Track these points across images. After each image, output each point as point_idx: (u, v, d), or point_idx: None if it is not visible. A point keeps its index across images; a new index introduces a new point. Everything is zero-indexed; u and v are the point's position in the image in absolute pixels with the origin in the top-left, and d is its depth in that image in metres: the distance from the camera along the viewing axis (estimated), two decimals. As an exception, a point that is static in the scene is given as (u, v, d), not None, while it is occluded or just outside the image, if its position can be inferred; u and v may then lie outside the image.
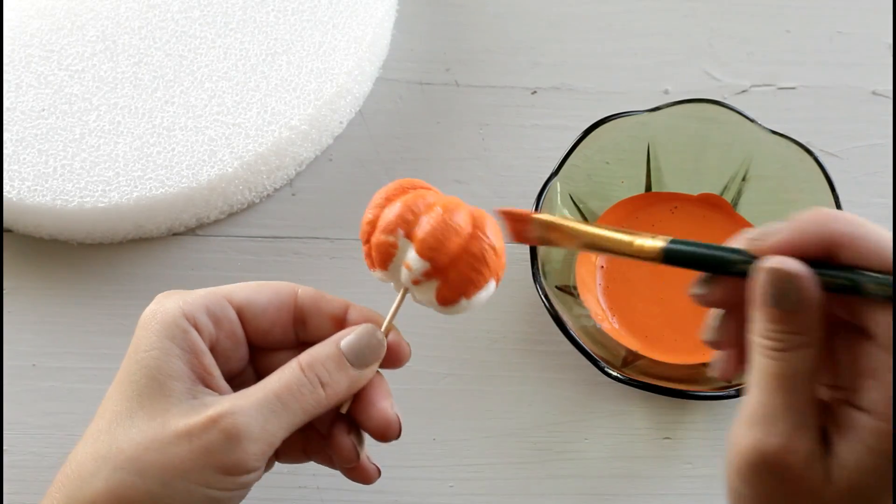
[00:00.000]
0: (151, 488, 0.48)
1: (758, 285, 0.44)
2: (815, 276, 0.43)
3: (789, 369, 0.44)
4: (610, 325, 0.66)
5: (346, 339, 0.52)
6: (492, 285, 0.52)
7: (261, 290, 0.54)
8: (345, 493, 0.64)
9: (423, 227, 0.51)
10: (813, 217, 0.44)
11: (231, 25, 0.73)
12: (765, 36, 0.77)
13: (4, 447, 0.65)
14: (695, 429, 0.65)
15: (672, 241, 0.47)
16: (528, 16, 0.78)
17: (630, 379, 0.61)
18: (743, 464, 0.44)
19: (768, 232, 0.45)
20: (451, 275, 0.51)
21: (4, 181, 0.69)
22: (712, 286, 0.47)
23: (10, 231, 0.71)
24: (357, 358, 0.52)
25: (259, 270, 0.70)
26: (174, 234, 0.71)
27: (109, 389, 0.52)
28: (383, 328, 0.53)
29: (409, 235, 0.51)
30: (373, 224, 0.52)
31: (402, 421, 0.53)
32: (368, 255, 0.53)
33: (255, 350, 0.55)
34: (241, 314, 0.53)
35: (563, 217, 0.50)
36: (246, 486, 0.50)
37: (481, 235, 0.52)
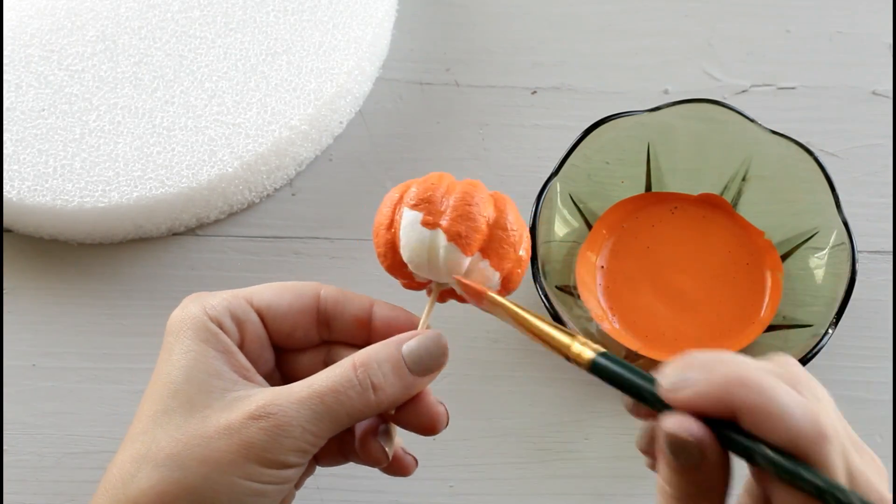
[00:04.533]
0: (194, 483, 0.48)
1: (659, 438, 0.43)
2: (714, 438, 0.42)
3: None
4: (610, 325, 0.66)
5: (408, 343, 0.51)
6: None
7: (283, 293, 0.53)
8: (345, 494, 0.64)
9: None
10: (722, 378, 0.42)
11: (231, 25, 0.73)
12: (765, 36, 0.77)
13: (4, 447, 0.65)
14: (695, 429, 0.65)
15: (601, 356, 0.46)
16: (528, 16, 0.78)
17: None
18: None
19: (682, 383, 0.43)
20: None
21: (4, 181, 0.69)
22: (639, 404, 0.45)
23: (10, 231, 0.71)
24: (417, 365, 0.50)
25: (259, 270, 0.70)
26: (174, 234, 0.71)
27: (144, 396, 0.51)
28: (420, 327, 0.52)
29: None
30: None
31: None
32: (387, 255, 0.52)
33: (279, 351, 0.55)
34: (262, 317, 0.53)
35: (512, 302, 0.50)
36: (289, 481, 0.50)
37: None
